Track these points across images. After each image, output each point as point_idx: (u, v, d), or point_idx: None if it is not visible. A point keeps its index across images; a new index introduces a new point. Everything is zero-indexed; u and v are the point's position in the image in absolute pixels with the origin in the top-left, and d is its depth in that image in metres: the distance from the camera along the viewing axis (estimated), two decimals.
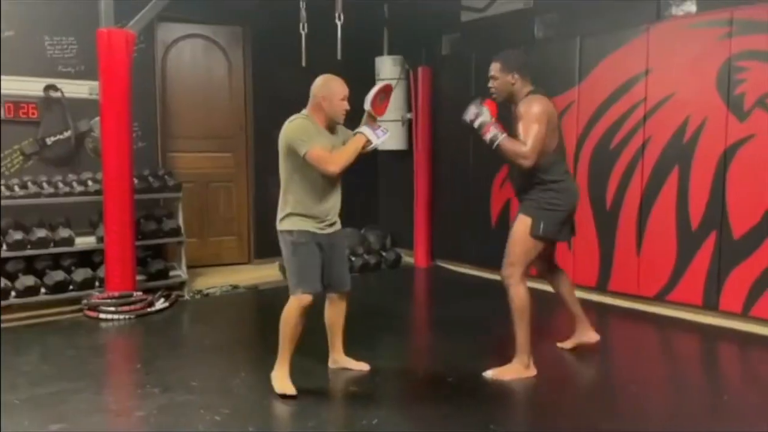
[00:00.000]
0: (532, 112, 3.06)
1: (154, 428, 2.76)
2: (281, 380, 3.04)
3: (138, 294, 4.54)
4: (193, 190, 5.83)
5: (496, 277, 5.60)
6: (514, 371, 3.25)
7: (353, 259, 5.97)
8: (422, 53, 6.16)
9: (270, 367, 3.07)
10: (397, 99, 6.25)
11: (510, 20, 5.56)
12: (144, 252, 5.10)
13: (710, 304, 4.27)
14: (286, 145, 2.98)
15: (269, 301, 5.12)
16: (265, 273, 5.72)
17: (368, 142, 3.02)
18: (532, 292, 3.28)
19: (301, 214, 3.03)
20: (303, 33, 4.68)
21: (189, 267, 5.34)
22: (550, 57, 5.10)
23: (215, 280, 5.45)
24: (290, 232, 3.04)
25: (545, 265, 3.60)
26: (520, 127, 3.08)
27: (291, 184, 3.03)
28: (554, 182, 3.21)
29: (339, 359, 3.40)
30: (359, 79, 6.38)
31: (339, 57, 4.51)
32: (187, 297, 5.01)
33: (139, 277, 4.77)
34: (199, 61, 5.95)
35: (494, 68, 3.25)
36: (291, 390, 2.99)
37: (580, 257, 4.96)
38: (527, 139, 3.03)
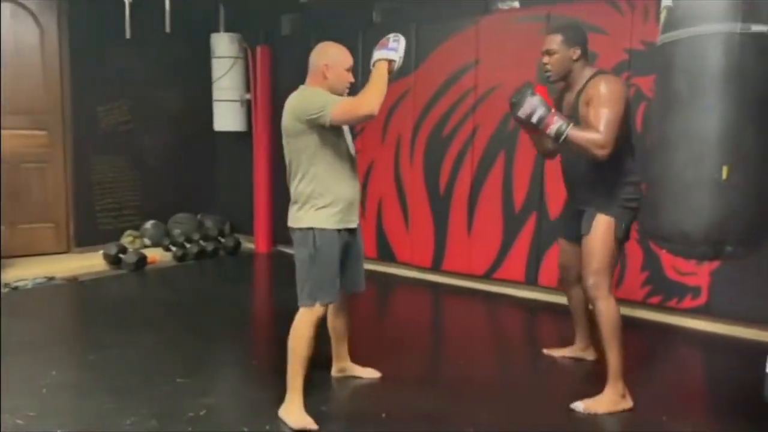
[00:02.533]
0: (603, 92, 2.61)
1: None
2: (297, 413, 2.57)
3: None
4: None
5: None
6: (609, 403, 2.73)
7: (188, 246, 5.68)
8: (260, 32, 5.98)
9: (86, 362, 2.80)
10: (234, 79, 6.03)
11: (349, 4, 5.55)
12: None
13: (531, 280, 4.61)
14: (304, 120, 2.55)
15: (90, 293, 4.72)
16: (86, 263, 5.26)
17: (391, 63, 2.58)
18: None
19: (328, 204, 2.57)
20: (127, 2, 4.32)
21: None
22: None
23: (27, 272, 4.89)
24: (311, 230, 2.56)
25: (577, 274, 3.01)
26: (590, 112, 2.63)
27: (312, 167, 2.59)
28: (630, 175, 2.76)
29: (347, 367, 3.07)
30: (193, 55, 6.19)
31: (167, 30, 4.23)
32: None
33: None
34: (5, 27, 5.26)
35: (553, 41, 2.78)
36: (311, 423, 2.53)
37: (416, 239, 5.12)
38: (599, 124, 2.56)
